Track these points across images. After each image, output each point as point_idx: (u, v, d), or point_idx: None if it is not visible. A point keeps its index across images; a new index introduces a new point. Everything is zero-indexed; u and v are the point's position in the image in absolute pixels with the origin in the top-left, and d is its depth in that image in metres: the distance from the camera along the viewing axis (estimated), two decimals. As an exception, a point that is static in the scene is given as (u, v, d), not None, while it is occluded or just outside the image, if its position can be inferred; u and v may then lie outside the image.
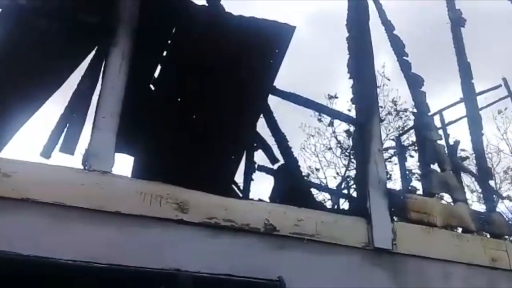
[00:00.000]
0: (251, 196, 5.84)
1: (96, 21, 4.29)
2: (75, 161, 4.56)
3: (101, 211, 3.20)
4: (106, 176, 3.36)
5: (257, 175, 5.94)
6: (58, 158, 4.88)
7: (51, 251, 2.94)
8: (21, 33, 4.64)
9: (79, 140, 4.27)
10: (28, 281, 3.55)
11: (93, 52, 4.98)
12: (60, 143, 4.67)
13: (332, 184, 15.30)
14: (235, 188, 5.98)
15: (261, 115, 5.52)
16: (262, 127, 5.70)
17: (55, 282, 3.68)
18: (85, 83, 4.82)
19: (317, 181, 14.83)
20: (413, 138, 11.68)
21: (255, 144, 5.73)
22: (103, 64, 4.32)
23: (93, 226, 3.16)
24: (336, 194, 11.06)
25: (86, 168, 3.39)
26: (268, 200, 5.16)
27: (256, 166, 5.77)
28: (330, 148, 16.49)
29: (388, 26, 5.57)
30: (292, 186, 5.14)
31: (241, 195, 5.88)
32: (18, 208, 3.02)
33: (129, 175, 4.98)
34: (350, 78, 5.01)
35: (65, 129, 4.32)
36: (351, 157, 15.66)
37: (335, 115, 7.42)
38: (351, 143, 15.76)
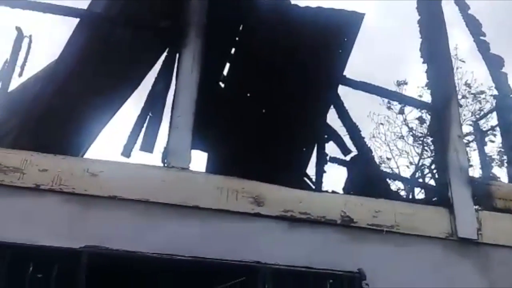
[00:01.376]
0: (323, 188, 5.81)
1: (167, 25, 4.45)
2: (154, 159, 4.79)
3: (181, 206, 3.32)
4: (185, 172, 3.48)
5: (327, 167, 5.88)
6: (138, 157, 5.15)
7: (137, 245, 3.10)
8: (98, 41, 4.90)
9: (157, 139, 4.45)
10: (118, 274, 3.79)
11: (164, 54, 5.17)
12: (139, 142, 4.92)
13: (405, 174, 14.77)
14: (308, 181, 5.96)
15: (331, 106, 5.44)
16: (332, 118, 5.63)
17: (142, 274, 3.90)
18: (159, 84, 5.01)
19: (389, 171, 14.36)
20: (492, 122, 11.01)
21: (326, 136, 5.66)
22: (176, 65, 4.48)
23: (175, 220, 3.28)
24: (411, 183, 10.66)
25: (165, 165, 3.54)
26: (341, 192, 5.10)
27: (328, 157, 5.70)
28: (401, 137, 15.90)
29: (462, 6, 5.28)
30: (367, 177, 5.04)
31: (313, 187, 5.86)
32: (106, 205, 3.21)
33: (203, 171, 5.13)
34: (423, 62, 4.81)
35: (144, 129, 4.50)
36: (425, 145, 15.06)
37: (409, 101, 7.14)
38: (424, 131, 15.14)
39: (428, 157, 14.88)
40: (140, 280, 4.48)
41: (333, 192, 4.24)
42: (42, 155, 3.21)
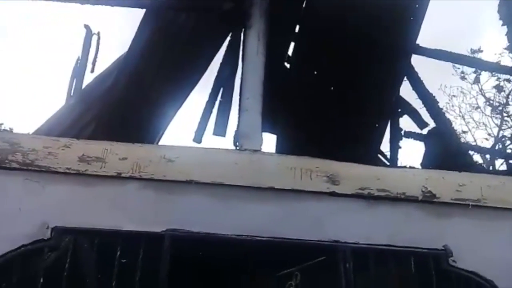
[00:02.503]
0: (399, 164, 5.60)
1: (230, 7, 4.43)
2: (223, 143, 4.84)
3: (256, 187, 3.32)
4: (257, 154, 3.47)
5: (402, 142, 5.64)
6: (208, 142, 5.24)
7: (216, 227, 3.14)
8: (163, 30, 4.99)
9: (228, 123, 4.49)
10: (197, 256, 3.89)
11: (228, 39, 5.18)
12: (209, 128, 4.99)
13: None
14: (382, 158, 5.77)
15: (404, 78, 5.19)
16: (405, 91, 5.38)
17: (220, 257, 3.98)
18: (226, 68, 5.04)
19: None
20: None
21: (399, 110, 5.43)
22: (241, 47, 4.47)
23: (250, 202, 3.29)
24: (495, 155, 10.02)
25: (238, 148, 3.56)
26: (419, 167, 4.89)
27: (402, 132, 5.47)
28: (477, 108, 15.01)
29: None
30: (447, 150, 4.78)
31: (388, 164, 5.67)
32: (183, 190, 3.27)
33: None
34: (502, 25, 4.46)
35: (215, 114, 4.56)
36: (504, 115, 14.13)
37: (491, 67, 6.64)
38: (502, 100, 14.20)
39: (509, 127, 13.99)
40: (218, 263, 4.60)
41: (411, 167, 4.07)
42: (121, 144, 3.32)
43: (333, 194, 3.33)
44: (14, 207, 2.99)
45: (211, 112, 5.04)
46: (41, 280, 2.81)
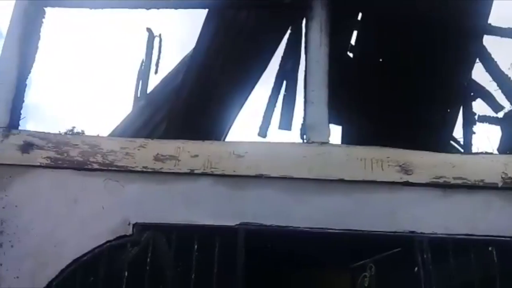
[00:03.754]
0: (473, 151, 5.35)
1: (290, 0, 4.42)
2: (289, 136, 4.86)
3: (325, 180, 3.30)
4: (325, 147, 3.45)
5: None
6: (273, 136, 5.28)
7: (287, 220, 3.17)
8: (226, 28, 5.08)
9: (293, 116, 4.50)
10: (271, 249, 3.94)
11: (288, 32, 5.18)
12: (272, 122, 5.03)
13: None
14: (455, 145, 5.54)
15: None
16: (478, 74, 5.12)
17: (291, 250, 4.01)
18: (288, 62, 5.05)
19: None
20: None
21: (472, 93, 5.18)
22: (303, 40, 4.45)
23: (320, 194, 3.28)
24: None
25: (305, 141, 3.55)
26: (496, 152, 4.65)
27: (476, 117, 5.22)
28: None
29: None
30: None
31: (462, 150, 5.44)
32: (253, 184, 3.32)
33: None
34: None
35: (279, 108, 4.58)
36: None
37: None
38: None
39: None
40: (290, 256, 4.63)
41: (488, 153, 3.88)
42: (192, 142, 3.42)
43: (406, 183, 3.25)
44: (98, 205, 3.18)
45: (275, 106, 5.08)
46: (126, 274, 2.97)
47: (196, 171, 3.30)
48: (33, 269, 2.96)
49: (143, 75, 6.05)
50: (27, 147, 3.30)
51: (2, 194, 3.16)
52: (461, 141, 5.51)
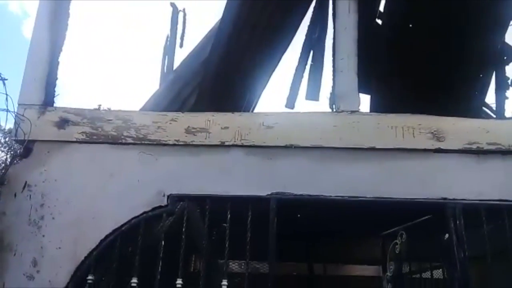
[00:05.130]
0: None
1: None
2: (317, 107, 4.83)
3: (356, 148, 3.30)
4: (355, 115, 3.43)
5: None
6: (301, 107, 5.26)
7: (318, 189, 3.19)
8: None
9: (321, 86, 4.47)
10: (301, 217, 3.99)
11: (314, 1, 5.09)
12: (299, 92, 5.00)
13: None
14: (487, 110, 5.41)
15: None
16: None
17: (325, 218, 4.05)
18: (314, 31, 4.98)
19: None
20: None
21: (505, 57, 5.02)
22: (331, 7, 4.37)
23: (351, 163, 3.28)
24: None
25: (334, 110, 3.54)
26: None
27: (509, 81, 5.07)
28: None
29: None
30: None
31: (494, 116, 5.32)
32: (283, 155, 3.34)
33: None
34: None
35: (306, 78, 4.55)
36: None
37: None
38: None
39: None
40: (321, 226, 4.68)
41: (522, 118, 3.80)
42: (222, 114, 3.46)
43: (438, 150, 3.22)
44: (133, 178, 3.27)
45: (302, 76, 5.04)
46: (162, 243, 3.07)
47: (226, 143, 3.34)
48: (74, 240, 3.09)
49: (169, 50, 6.08)
50: (63, 123, 3.40)
51: (41, 169, 3.28)
52: (494, 106, 5.38)
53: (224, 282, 2.99)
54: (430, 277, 3.40)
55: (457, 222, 2.96)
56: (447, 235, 3.09)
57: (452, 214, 2.98)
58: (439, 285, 3.17)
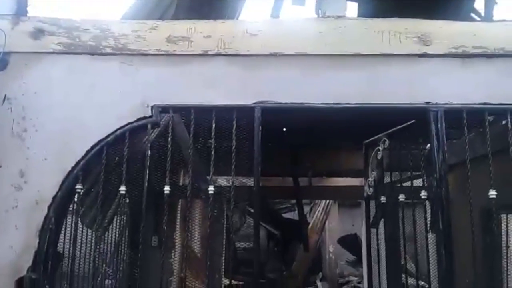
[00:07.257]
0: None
1: None
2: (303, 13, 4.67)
3: (342, 55, 3.25)
4: (341, 20, 3.34)
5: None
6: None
7: (303, 97, 3.18)
8: None
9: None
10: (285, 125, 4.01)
11: None
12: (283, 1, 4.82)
13: None
14: (475, 17, 5.30)
15: None
16: None
17: (310, 127, 4.09)
18: None
19: None
20: None
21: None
22: None
23: (337, 70, 3.24)
24: None
25: (320, 15, 3.43)
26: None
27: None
28: None
29: None
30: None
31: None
32: (268, 63, 3.28)
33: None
34: None
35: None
36: None
37: None
38: None
39: None
40: (305, 135, 4.74)
41: (509, 21, 3.71)
42: (204, 21, 3.33)
43: (424, 55, 3.19)
44: (115, 89, 3.22)
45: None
46: (148, 153, 3.09)
47: (209, 52, 3.26)
48: (59, 151, 3.09)
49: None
50: (38, 33, 3.27)
51: (20, 81, 3.20)
52: (482, 12, 5.26)
53: (211, 188, 3.06)
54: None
55: (439, 125, 3.00)
56: (429, 145, 3.15)
57: (434, 118, 3.01)
58: (419, 192, 3.24)
